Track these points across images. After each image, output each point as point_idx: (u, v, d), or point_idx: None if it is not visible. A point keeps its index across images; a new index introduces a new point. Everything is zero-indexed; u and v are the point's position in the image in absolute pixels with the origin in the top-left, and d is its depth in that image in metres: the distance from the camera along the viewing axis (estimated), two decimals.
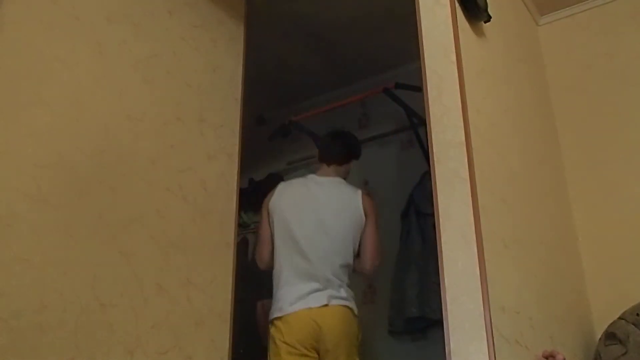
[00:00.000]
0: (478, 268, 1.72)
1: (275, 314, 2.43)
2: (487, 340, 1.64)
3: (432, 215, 1.90)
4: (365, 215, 2.58)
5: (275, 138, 4.05)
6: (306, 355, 2.35)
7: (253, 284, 3.65)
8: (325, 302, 2.38)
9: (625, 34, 2.97)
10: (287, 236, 2.53)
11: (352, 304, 2.46)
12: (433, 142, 1.93)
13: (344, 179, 2.77)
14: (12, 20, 1.70)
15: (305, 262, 2.46)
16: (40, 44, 1.77)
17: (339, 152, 2.80)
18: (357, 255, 2.59)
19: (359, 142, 2.97)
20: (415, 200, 3.34)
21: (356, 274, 2.69)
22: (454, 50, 1.97)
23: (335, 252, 2.49)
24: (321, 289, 2.41)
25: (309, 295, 2.39)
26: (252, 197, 4.07)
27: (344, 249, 2.51)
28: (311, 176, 2.78)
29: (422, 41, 2.06)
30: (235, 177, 2.44)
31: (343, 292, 2.44)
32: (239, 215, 3.25)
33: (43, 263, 1.63)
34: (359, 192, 2.67)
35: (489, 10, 2.18)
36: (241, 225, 4.07)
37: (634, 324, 2.23)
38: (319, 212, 2.56)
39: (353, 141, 2.93)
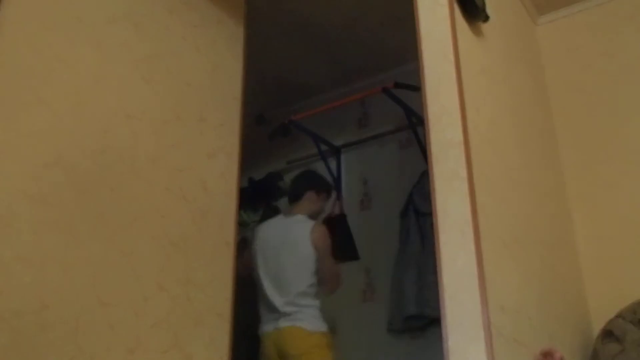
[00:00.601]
0: (477, 267, 1.72)
1: None
2: (486, 339, 1.64)
3: (431, 214, 1.90)
4: (316, 248, 2.91)
5: (275, 137, 4.05)
6: None
7: (252, 283, 3.66)
8: (276, 326, 2.82)
9: (624, 33, 2.97)
10: (256, 275, 3.00)
11: (303, 324, 2.80)
12: (432, 142, 1.94)
13: (315, 211, 3.11)
14: (13, 20, 1.71)
15: (265, 297, 2.91)
16: (41, 43, 1.77)
17: (293, 190, 3.22)
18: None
19: (316, 175, 3.29)
20: (415, 199, 3.35)
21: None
22: (453, 50, 1.97)
23: (290, 285, 2.87)
24: (277, 318, 2.84)
25: (267, 323, 2.87)
26: (252, 196, 4.08)
27: (300, 279, 2.87)
28: (279, 217, 3.21)
29: (420, 41, 2.06)
30: (235, 176, 2.45)
31: (297, 315, 2.81)
32: (239, 214, 3.26)
33: (43, 262, 1.63)
34: (309, 226, 2.97)
35: (487, 10, 2.18)
36: (241, 225, 4.07)
37: (631, 322, 2.24)
38: (277, 252, 2.96)
39: (307, 175, 3.28)
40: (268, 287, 2.91)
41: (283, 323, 2.82)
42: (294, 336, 2.79)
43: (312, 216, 3.09)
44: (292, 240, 2.95)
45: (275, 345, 2.82)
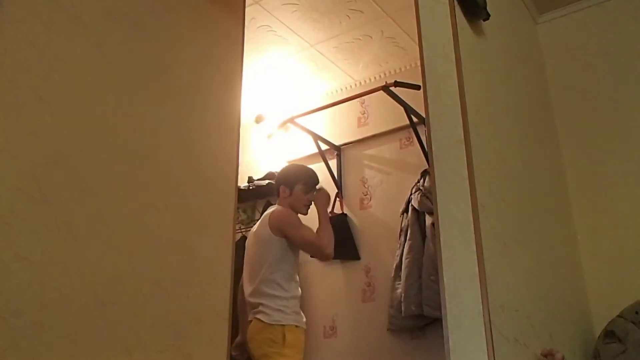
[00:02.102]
0: (477, 266, 1.72)
1: None
2: (486, 339, 1.64)
3: (432, 213, 1.90)
4: (273, 229, 2.88)
5: (274, 136, 4.06)
6: None
7: None
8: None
9: (624, 32, 2.97)
10: None
11: (261, 315, 2.78)
12: (432, 141, 1.93)
13: (292, 204, 3.03)
14: (12, 19, 1.70)
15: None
16: (40, 42, 1.77)
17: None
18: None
19: (292, 169, 3.22)
20: (415, 198, 3.35)
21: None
22: (453, 49, 1.97)
23: (254, 277, 2.88)
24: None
25: None
26: (252, 196, 4.08)
27: (259, 270, 2.87)
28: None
29: (421, 39, 2.06)
30: (235, 176, 2.44)
31: (259, 307, 2.80)
32: (238, 214, 3.24)
33: (43, 261, 1.63)
34: (270, 212, 3.00)
35: (488, 8, 2.18)
36: (241, 224, 4.08)
37: (632, 322, 2.23)
38: (251, 243, 3.02)
39: (283, 171, 3.24)
40: (244, 279, 2.97)
41: (250, 317, 2.83)
42: (252, 329, 2.80)
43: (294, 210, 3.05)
44: (258, 231, 2.99)
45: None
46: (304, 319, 2.88)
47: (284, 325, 2.77)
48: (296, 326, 2.81)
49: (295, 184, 3.05)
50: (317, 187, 3.08)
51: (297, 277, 2.94)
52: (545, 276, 2.27)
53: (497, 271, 1.82)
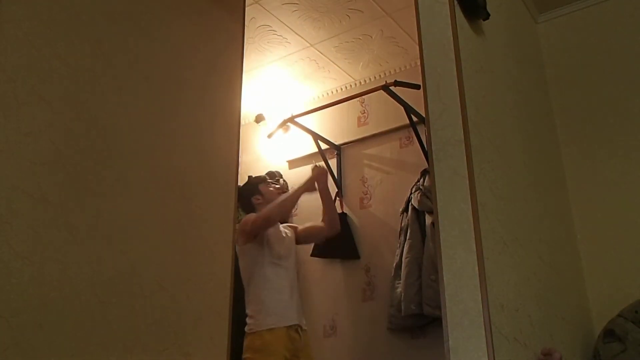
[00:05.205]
0: (477, 266, 1.72)
1: None
2: (486, 338, 1.64)
3: (432, 212, 1.90)
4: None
5: (274, 136, 4.06)
6: None
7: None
8: None
9: (623, 32, 2.97)
10: None
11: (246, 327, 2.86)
12: (432, 140, 1.93)
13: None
14: (12, 18, 1.70)
15: None
16: (40, 41, 1.77)
17: None
18: None
19: (242, 191, 3.18)
20: (415, 197, 3.35)
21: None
22: (453, 48, 1.97)
23: None
24: None
25: None
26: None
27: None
28: None
29: (421, 39, 2.06)
30: (235, 175, 2.44)
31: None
32: (238, 213, 3.23)
33: (42, 261, 1.63)
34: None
35: (487, 8, 2.18)
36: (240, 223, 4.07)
37: (632, 322, 2.23)
38: None
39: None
40: None
41: None
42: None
43: None
44: None
45: None
46: (288, 317, 2.84)
47: (255, 332, 2.79)
48: (270, 329, 2.78)
49: (258, 186, 3.21)
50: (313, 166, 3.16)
51: (277, 279, 2.93)
52: (545, 275, 2.27)
53: (497, 270, 1.82)
